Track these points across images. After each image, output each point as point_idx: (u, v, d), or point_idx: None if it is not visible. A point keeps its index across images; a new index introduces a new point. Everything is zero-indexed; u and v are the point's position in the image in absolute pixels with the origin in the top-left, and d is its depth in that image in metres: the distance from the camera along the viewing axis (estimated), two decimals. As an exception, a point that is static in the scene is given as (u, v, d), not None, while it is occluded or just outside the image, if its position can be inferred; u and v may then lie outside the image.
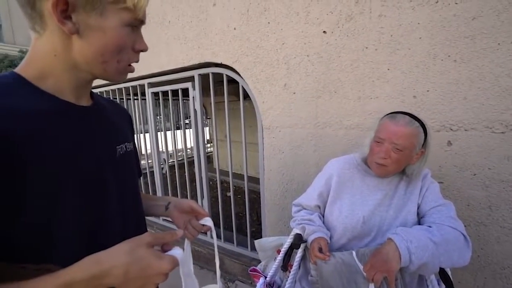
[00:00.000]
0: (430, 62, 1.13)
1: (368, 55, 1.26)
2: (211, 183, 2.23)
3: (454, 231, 0.79)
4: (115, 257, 0.39)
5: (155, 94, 2.30)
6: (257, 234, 2.19)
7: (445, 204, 0.87)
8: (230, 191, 2.01)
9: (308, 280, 0.98)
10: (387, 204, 0.93)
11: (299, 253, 1.03)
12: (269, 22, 1.51)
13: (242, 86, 1.73)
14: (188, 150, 5.03)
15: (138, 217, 0.65)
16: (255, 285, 1.14)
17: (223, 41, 1.71)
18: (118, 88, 2.54)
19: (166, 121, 2.80)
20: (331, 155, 1.20)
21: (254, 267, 1.23)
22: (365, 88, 1.30)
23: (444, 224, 0.81)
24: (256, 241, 1.25)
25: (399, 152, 0.84)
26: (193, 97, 1.98)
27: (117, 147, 0.58)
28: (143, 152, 2.62)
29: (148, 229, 0.72)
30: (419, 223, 0.90)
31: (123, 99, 2.56)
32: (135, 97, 2.58)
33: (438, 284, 0.88)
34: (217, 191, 2.08)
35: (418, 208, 0.91)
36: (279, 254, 1.12)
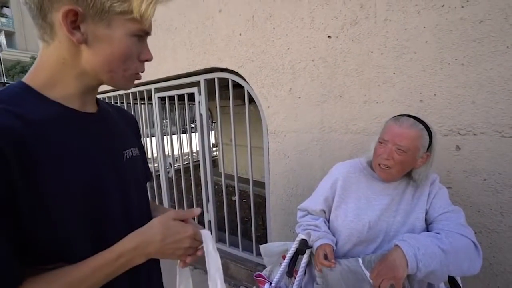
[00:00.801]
0: (437, 66, 1.12)
1: (373, 59, 1.26)
2: (216, 187, 2.24)
3: (464, 238, 0.78)
4: (153, 229, 0.50)
5: (162, 99, 2.33)
6: (263, 239, 2.18)
7: (454, 211, 0.86)
8: (235, 195, 2.01)
9: (313, 286, 0.97)
10: (394, 210, 0.91)
11: (304, 259, 1.02)
12: (274, 28, 1.52)
13: (247, 91, 1.74)
14: (194, 154, 5.06)
15: (144, 219, 0.65)
16: (260, 291, 1.13)
17: (229, 47, 1.72)
18: (125, 93, 2.58)
19: (172, 125, 2.83)
20: (337, 160, 1.19)
21: (259, 273, 1.22)
22: (371, 92, 1.29)
23: (454, 231, 0.79)
24: (261, 246, 1.24)
25: (402, 154, 0.84)
26: (199, 102, 2.00)
27: (123, 152, 0.59)
28: (149, 156, 2.64)
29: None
30: (427, 229, 0.88)
31: (130, 103, 2.60)
32: (142, 102, 2.62)
33: (448, 292, 0.86)
34: (222, 195, 2.09)
35: (426, 214, 0.89)
36: (284, 259, 1.11)
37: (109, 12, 0.45)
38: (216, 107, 1.92)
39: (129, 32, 0.48)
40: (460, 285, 0.84)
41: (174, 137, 3.27)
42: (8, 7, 19.50)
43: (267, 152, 1.70)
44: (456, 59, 1.08)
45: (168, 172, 2.56)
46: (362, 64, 1.29)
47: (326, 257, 0.88)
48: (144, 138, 2.58)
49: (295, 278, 1.02)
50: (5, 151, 0.38)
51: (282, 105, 1.58)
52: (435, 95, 1.14)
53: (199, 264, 1.99)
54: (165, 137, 2.54)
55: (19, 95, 0.46)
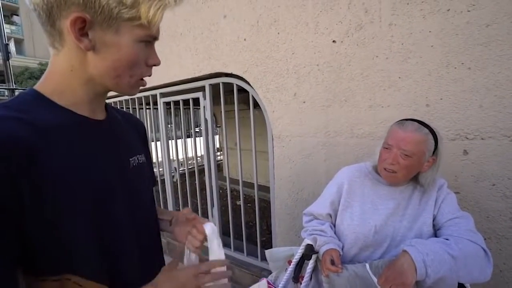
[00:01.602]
0: (443, 70, 1.11)
1: (378, 64, 1.26)
2: (221, 191, 2.24)
3: (473, 245, 0.76)
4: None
5: (167, 104, 2.35)
6: (267, 243, 2.17)
7: (463, 216, 0.84)
8: (240, 200, 2.01)
9: (320, 292, 0.96)
10: (400, 214, 0.91)
11: (310, 264, 1.01)
12: (278, 33, 1.54)
13: (252, 96, 1.75)
14: (198, 158, 5.07)
15: (152, 227, 0.65)
16: (266, 297, 1.12)
17: (234, 52, 1.74)
18: (131, 98, 2.62)
19: (177, 130, 2.85)
20: (342, 164, 1.19)
21: (265, 278, 1.21)
22: (376, 96, 1.28)
23: (463, 238, 0.77)
24: (267, 251, 1.23)
25: (407, 158, 0.83)
26: (204, 107, 2.01)
27: (130, 159, 0.59)
28: (154, 160, 2.66)
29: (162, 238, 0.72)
30: (435, 235, 0.87)
31: (135, 108, 2.63)
32: (147, 107, 2.65)
33: (458, 300, 0.84)
34: (227, 199, 2.08)
35: (434, 220, 0.88)
36: (290, 265, 1.10)
37: (117, 18, 0.45)
38: (221, 111, 1.93)
39: (137, 38, 0.48)
40: (470, 292, 0.82)
41: (179, 141, 3.29)
42: (17, 15, 20.01)
43: (272, 157, 1.70)
44: (462, 63, 1.08)
45: (173, 177, 2.57)
46: (367, 68, 1.29)
47: (332, 263, 0.87)
48: (149, 143, 2.60)
49: (301, 283, 1.01)
50: (15, 160, 0.38)
51: (287, 109, 1.58)
52: (441, 99, 1.14)
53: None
54: (169, 141, 2.56)
55: (30, 103, 0.46)
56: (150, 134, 2.68)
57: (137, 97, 2.53)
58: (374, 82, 1.28)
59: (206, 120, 2.03)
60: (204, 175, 2.15)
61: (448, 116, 1.13)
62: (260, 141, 1.93)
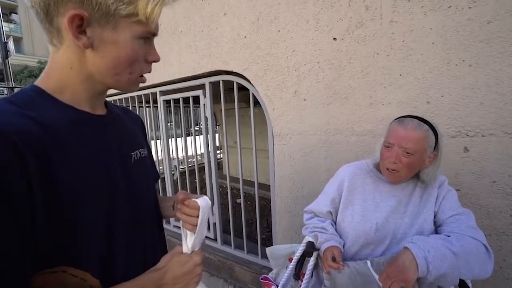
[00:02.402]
0: (444, 67, 1.11)
1: (379, 61, 1.25)
2: (221, 189, 2.24)
3: (475, 241, 0.76)
4: (163, 271, 0.50)
5: (167, 102, 2.34)
6: (268, 241, 2.17)
7: (464, 213, 0.85)
8: (240, 198, 2.01)
9: (321, 289, 0.96)
10: (402, 211, 0.91)
11: (311, 261, 1.01)
12: (279, 30, 1.53)
13: (252, 93, 1.74)
14: (198, 157, 5.07)
15: (155, 220, 0.66)
16: (267, 294, 1.13)
17: (234, 50, 1.73)
18: (131, 96, 2.61)
19: (176, 128, 2.84)
20: (343, 162, 1.19)
21: (265, 275, 1.21)
22: (377, 94, 1.28)
23: (464, 234, 0.78)
24: (267, 249, 1.23)
25: (409, 156, 0.83)
26: (204, 105, 2.01)
27: (131, 153, 0.60)
28: (154, 158, 2.66)
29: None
30: (436, 232, 0.87)
31: (135, 106, 2.62)
32: (147, 105, 2.64)
33: (459, 296, 0.84)
34: (227, 197, 2.09)
35: (435, 217, 0.88)
36: (291, 262, 1.10)
37: (115, 15, 0.45)
38: (221, 109, 1.93)
39: (135, 34, 0.48)
40: (471, 289, 0.82)
41: (179, 139, 3.29)
42: (16, 13, 19.92)
43: (273, 154, 1.70)
44: (463, 60, 1.07)
45: (173, 175, 2.57)
46: (367, 66, 1.29)
47: (334, 259, 0.87)
48: (149, 141, 2.60)
49: (302, 281, 1.01)
50: (24, 152, 0.38)
51: (287, 107, 1.58)
52: (442, 96, 1.13)
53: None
54: (170, 139, 2.55)
55: (32, 98, 0.46)
56: (150, 133, 2.68)
57: (137, 95, 2.52)
58: (375, 80, 1.28)
59: (206, 118, 2.03)
60: (204, 173, 2.15)
61: (449, 113, 1.13)
62: (260, 140, 1.92)
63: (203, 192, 2.33)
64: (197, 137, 2.43)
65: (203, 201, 0.57)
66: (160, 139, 2.48)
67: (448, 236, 0.79)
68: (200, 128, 2.24)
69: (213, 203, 2.13)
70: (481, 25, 1.03)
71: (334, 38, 1.36)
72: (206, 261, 2.21)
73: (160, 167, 2.57)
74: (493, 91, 1.03)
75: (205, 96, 1.98)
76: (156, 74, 2.17)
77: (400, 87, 1.22)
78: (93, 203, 0.47)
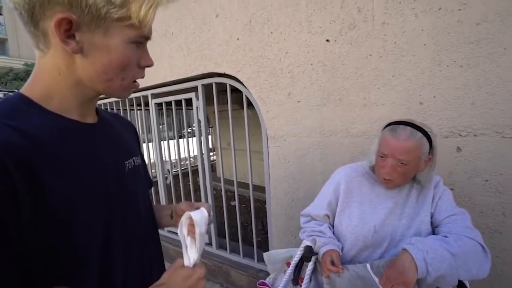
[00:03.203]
0: (436, 68, 1.13)
1: (372, 62, 1.26)
2: (215, 192, 2.22)
3: (472, 241, 0.77)
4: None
5: (159, 105, 2.30)
6: (263, 244, 2.16)
7: (460, 213, 0.85)
8: (234, 200, 1.99)
9: (320, 293, 0.95)
10: (398, 213, 0.91)
11: (310, 265, 1.01)
12: (272, 32, 1.52)
13: (246, 95, 1.73)
14: (192, 159, 5.03)
15: (150, 229, 0.64)
16: (265, 299, 1.11)
17: (226, 52, 1.72)
18: (121, 100, 2.56)
19: (169, 130, 2.80)
20: (338, 164, 1.19)
21: (263, 280, 1.20)
22: (370, 95, 1.29)
23: (461, 235, 0.78)
24: (265, 254, 1.22)
25: (404, 167, 0.83)
26: (197, 107, 1.98)
27: (125, 162, 0.58)
28: (147, 162, 2.61)
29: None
30: (433, 233, 0.88)
31: (126, 110, 2.57)
32: (139, 108, 2.59)
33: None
34: (221, 200, 2.06)
35: (431, 218, 0.88)
36: (288, 266, 1.09)
37: (106, 19, 0.42)
38: (214, 111, 1.90)
39: (128, 39, 0.45)
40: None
41: (171, 142, 3.25)
42: (0, 14, 19.33)
43: (267, 157, 1.69)
44: (454, 61, 1.09)
45: (166, 178, 2.53)
46: (361, 67, 1.29)
47: (333, 263, 0.87)
48: (141, 144, 2.55)
49: (300, 285, 1.00)
50: (9, 168, 0.36)
51: (281, 109, 1.57)
52: (434, 97, 1.15)
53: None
54: (162, 142, 2.52)
55: (18, 108, 0.44)
56: (141, 135, 2.63)
57: (128, 98, 2.47)
58: (368, 81, 1.28)
59: (199, 121, 2.00)
60: (198, 176, 2.13)
61: (441, 113, 1.14)
62: (254, 141, 1.91)
63: (197, 195, 2.30)
64: (190, 139, 2.40)
65: (197, 215, 0.53)
66: (152, 141, 2.44)
67: (446, 237, 0.79)
68: (193, 130, 2.21)
69: (207, 207, 2.10)
70: (470, 27, 1.04)
71: (327, 40, 1.36)
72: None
73: (153, 170, 2.53)
74: (483, 91, 1.05)
75: (198, 99, 1.96)
76: (147, 77, 2.11)
77: (393, 88, 1.23)
78: (88, 217, 0.45)
